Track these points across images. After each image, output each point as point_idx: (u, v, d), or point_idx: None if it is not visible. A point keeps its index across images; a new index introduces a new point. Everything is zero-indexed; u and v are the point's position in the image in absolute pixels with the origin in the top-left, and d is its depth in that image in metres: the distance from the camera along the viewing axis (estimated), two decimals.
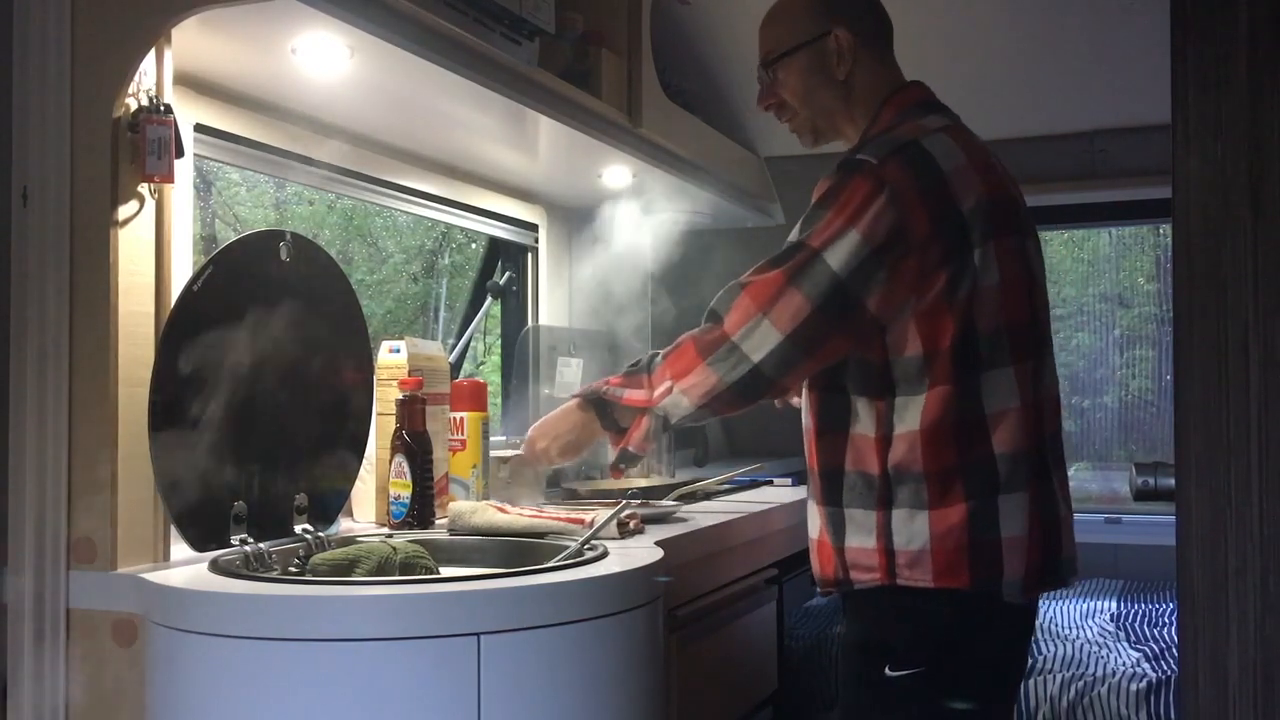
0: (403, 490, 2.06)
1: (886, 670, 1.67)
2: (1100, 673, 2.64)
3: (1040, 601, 1.80)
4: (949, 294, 1.62)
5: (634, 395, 1.78)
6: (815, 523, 1.78)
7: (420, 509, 2.07)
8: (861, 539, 1.68)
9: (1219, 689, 1.34)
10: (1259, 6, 1.30)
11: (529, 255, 3.18)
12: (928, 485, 1.63)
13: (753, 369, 1.65)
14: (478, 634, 1.41)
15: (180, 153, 1.64)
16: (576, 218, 3.26)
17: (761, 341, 1.64)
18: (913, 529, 1.63)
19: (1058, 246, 4.18)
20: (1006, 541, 1.64)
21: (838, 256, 1.61)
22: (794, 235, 1.68)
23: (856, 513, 1.69)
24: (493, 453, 2.34)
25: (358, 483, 2.04)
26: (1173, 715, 2.51)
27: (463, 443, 2.27)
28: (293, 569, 1.74)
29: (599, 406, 1.84)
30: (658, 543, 1.86)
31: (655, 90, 2.67)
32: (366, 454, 2.07)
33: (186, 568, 1.59)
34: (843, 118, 1.82)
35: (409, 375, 2.13)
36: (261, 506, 1.76)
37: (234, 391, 1.72)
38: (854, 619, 1.77)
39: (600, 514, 1.93)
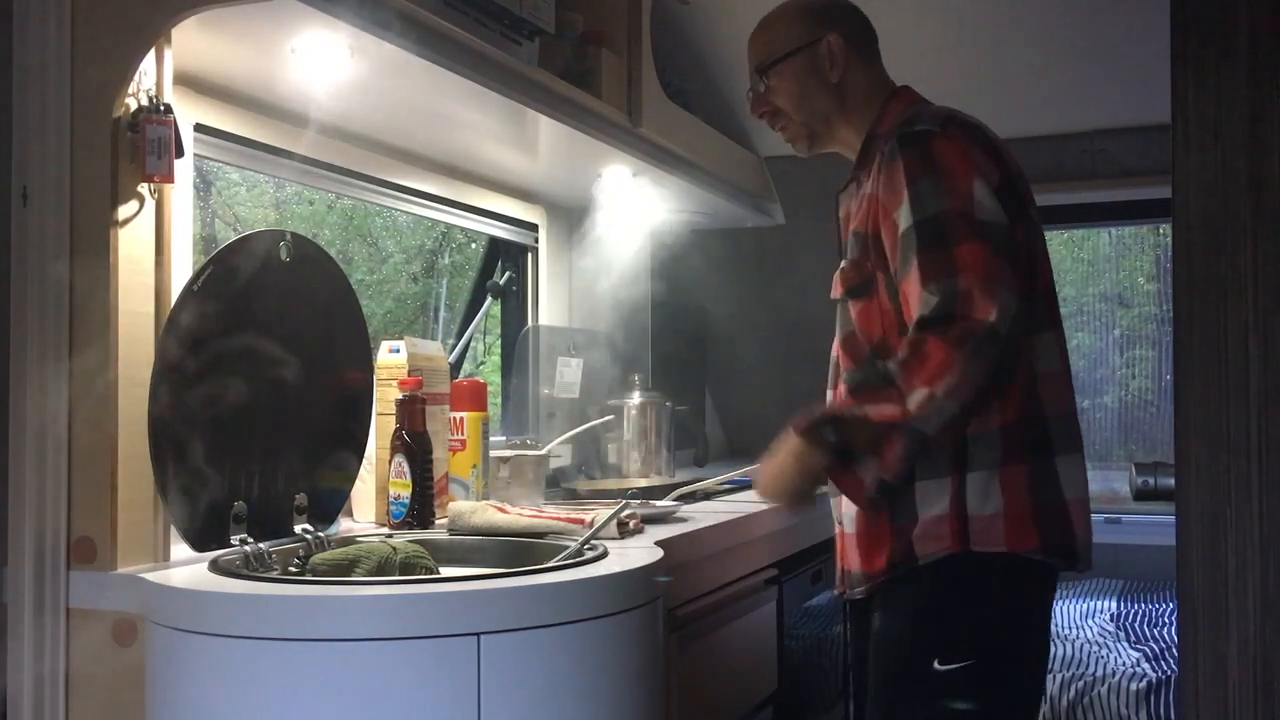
0: (403, 490, 2.06)
1: (935, 664, 1.62)
2: (1100, 673, 2.64)
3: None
4: (1028, 245, 1.66)
5: (884, 410, 1.53)
6: (858, 511, 1.70)
7: (420, 509, 2.07)
8: (934, 508, 1.63)
9: (1219, 689, 1.34)
10: (1259, 6, 1.30)
11: (529, 255, 3.18)
12: (1002, 443, 1.62)
13: (1006, 341, 1.51)
14: (478, 634, 1.41)
15: (180, 153, 1.64)
16: (576, 218, 3.26)
17: (1006, 311, 1.51)
18: (989, 491, 1.62)
19: (1058, 246, 4.18)
20: (1071, 504, 1.65)
21: (987, 206, 1.57)
22: (905, 219, 1.58)
23: (928, 484, 1.64)
24: (492, 453, 2.34)
25: (358, 483, 2.04)
26: (1173, 715, 2.50)
27: (463, 443, 2.27)
28: (293, 569, 1.74)
29: (825, 433, 1.57)
30: (658, 543, 1.86)
31: (655, 90, 2.67)
32: (366, 454, 2.07)
33: (186, 568, 1.59)
34: (839, 121, 1.84)
35: (409, 375, 2.13)
36: (261, 506, 1.76)
37: (234, 391, 1.72)
38: (898, 608, 1.68)
39: (600, 514, 1.92)
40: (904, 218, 1.59)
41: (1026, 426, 1.64)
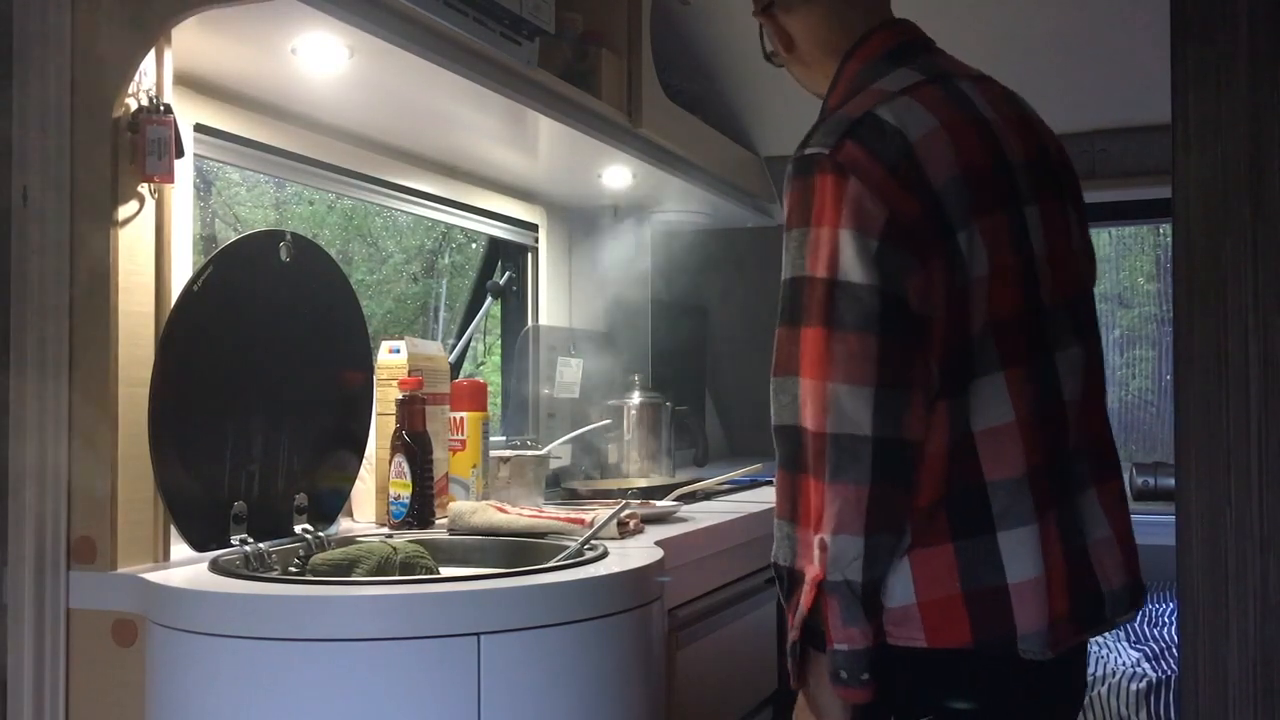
0: (403, 490, 2.06)
1: None
2: (1100, 673, 2.64)
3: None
4: (947, 289, 1.35)
5: (803, 594, 1.34)
6: None
7: (420, 509, 2.07)
8: None
9: (1219, 689, 1.34)
10: (1259, 7, 1.30)
11: (529, 255, 3.18)
12: (912, 522, 1.35)
13: (877, 444, 1.29)
14: (478, 634, 1.41)
15: (180, 153, 1.64)
16: (576, 218, 3.26)
17: (858, 410, 1.29)
18: (897, 577, 1.35)
19: None
20: (1015, 588, 1.34)
21: (851, 266, 1.31)
22: (785, 270, 1.39)
23: None
24: (492, 453, 2.34)
25: (358, 483, 2.04)
26: (1173, 715, 2.50)
27: (463, 443, 2.27)
28: (293, 569, 1.74)
29: (810, 659, 1.38)
30: (658, 543, 1.86)
31: (655, 90, 2.67)
32: (366, 454, 2.07)
33: (186, 568, 1.59)
34: (816, 84, 1.59)
35: (409, 375, 2.13)
36: (261, 506, 1.76)
37: (234, 391, 1.73)
38: None
39: (600, 514, 1.93)
40: (782, 265, 1.39)
41: (950, 502, 1.35)
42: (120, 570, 1.57)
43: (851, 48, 1.51)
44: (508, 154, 2.66)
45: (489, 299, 3.01)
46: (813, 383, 1.31)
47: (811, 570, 1.33)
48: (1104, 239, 4.19)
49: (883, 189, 1.33)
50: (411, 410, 2.08)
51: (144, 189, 1.62)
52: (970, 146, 1.39)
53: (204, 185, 3.26)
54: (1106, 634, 2.93)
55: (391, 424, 2.11)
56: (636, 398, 2.97)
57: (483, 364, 3.56)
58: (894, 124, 1.36)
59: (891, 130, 1.36)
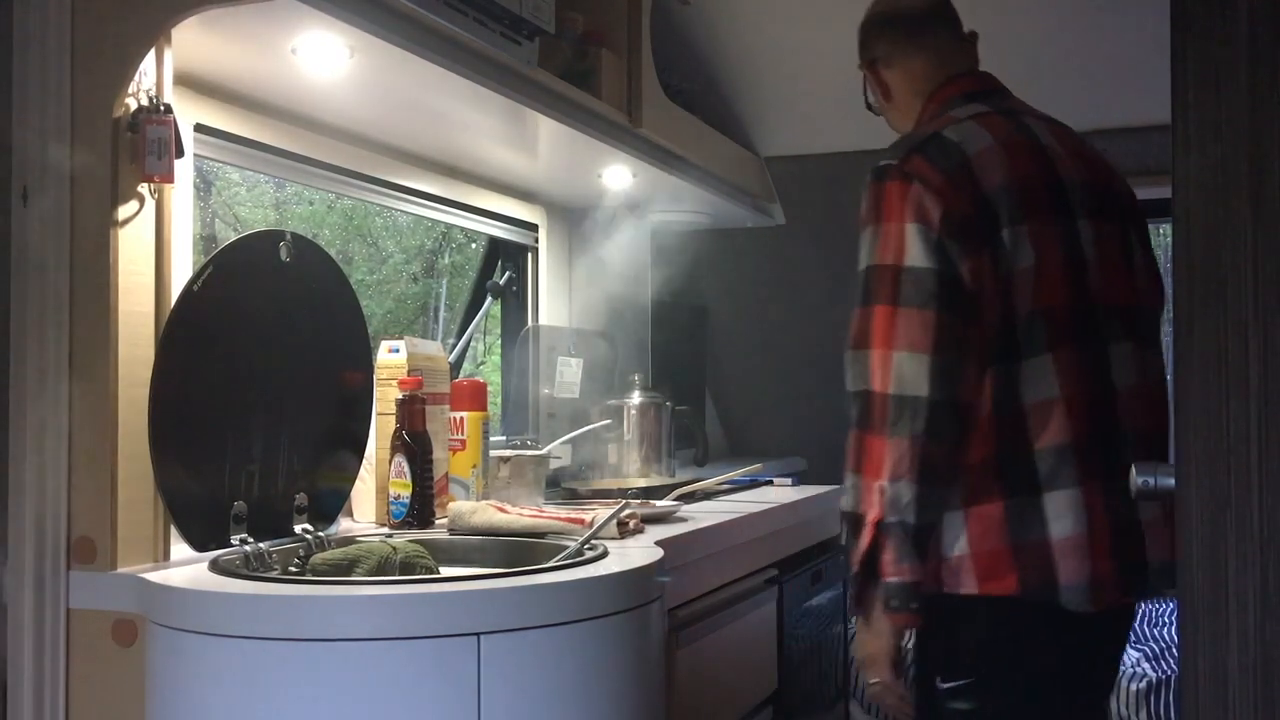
0: (403, 490, 2.06)
1: (938, 681, 1.62)
2: None
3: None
4: (994, 276, 1.57)
5: (863, 534, 1.55)
6: None
7: (420, 509, 2.07)
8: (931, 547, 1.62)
9: (1219, 689, 1.33)
10: (1259, 6, 1.29)
11: (529, 255, 3.18)
12: (967, 481, 1.57)
13: (931, 405, 1.52)
14: (478, 634, 1.41)
15: (180, 153, 1.64)
16: (576, 218, 3.26)
17: (916, 374, 1.52)
18: (954, 531, 1.57)
19: None
20: (1058, 543, 1.55)
21: (914, 253, 1.54)
22: (860, 261, 1.62)
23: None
24: (492, 453, 2.34)
25: (358, 483, 2.04)
26: (1173, 715, 2.51)
27: (463, 443, 2.27)
28: (293, 569, 1.74)
29: (869, 590, 1.59)
30: (658, 543, 1.86)
31: (655, 90, 2.67)
32: (366, 454, 2.07)
33: (186, 568, 1.59)
34: (907, 127, 1.83)
35: (409, 375, 2.13)
36: (261, 506, 1.76)
37: (234, 391, 1.73)
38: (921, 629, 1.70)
39: (600, 514, 1.93)
40: (859, 258, 1.63)
41: (1001, 464, 1.57)
42: (120, 570, 1.57)
43: (933, 91, 1.78)
44: (508, 154, 2.65)
45: (489, 299, 3.01)
46: (881, 352, 1.54)
47: (872, 513, 1.53)
48: None
49: (941, 191, 1.56)
50: (411, 410, 2.08)
51: (144, 189, 1.62)
52: (1023, 162, 1.62)
53: (204, 185, 3.26)
54: None
55: (391, 424, 2.11)
56: (636, 398, 2.97)
57: (483, 364, 3.56)
58: (955, 140, 1.61)
59: (952, 146, 1.60)
